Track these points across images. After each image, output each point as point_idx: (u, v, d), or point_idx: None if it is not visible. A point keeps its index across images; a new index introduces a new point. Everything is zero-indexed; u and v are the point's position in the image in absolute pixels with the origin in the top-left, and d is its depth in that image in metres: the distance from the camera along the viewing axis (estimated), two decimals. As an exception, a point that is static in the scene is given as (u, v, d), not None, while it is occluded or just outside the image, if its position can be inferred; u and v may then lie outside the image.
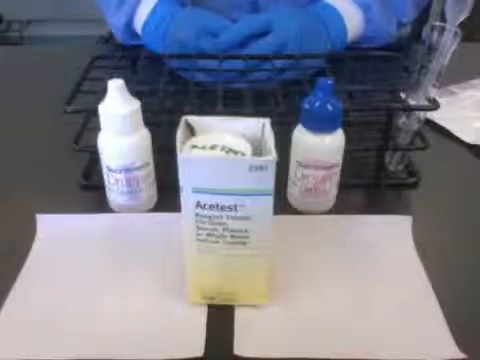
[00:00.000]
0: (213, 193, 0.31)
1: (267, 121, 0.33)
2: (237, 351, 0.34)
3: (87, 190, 0.49)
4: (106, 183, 0.45)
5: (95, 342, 0.35)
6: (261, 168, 0.30)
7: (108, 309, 0.37)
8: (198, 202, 0.32)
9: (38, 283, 0.39)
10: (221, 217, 0.32)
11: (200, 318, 0.36)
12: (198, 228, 0.33)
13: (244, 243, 0.33)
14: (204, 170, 0.30)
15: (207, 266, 0.35)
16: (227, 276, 0.35)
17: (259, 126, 0.33)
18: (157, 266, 0.40)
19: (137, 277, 0.40)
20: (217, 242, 0.33)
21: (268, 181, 0.31)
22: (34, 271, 0.40)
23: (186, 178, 0.31)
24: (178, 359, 0.33)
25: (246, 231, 0.33)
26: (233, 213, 0.32)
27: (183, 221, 0.33)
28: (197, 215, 0.32)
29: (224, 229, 0.33)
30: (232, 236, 0.33)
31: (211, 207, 0.32)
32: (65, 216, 0.44)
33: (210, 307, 0.37)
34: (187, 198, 0.32)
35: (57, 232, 0.43)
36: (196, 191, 0.31)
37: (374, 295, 0.38)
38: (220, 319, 0.36)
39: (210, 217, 0.32)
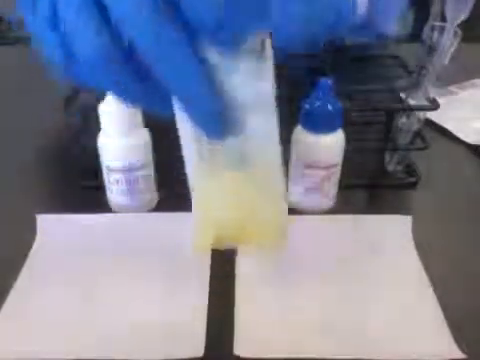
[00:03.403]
0: None
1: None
2: (237, 351, 0.33)
3: (87, 190, 0.49)
4: (106, 183, 0.45)
5: (95, 342, 0.35)
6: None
7: (108, 309, 0.37)
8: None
9: (38, 283, 0.39)
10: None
11: (200, 318, 0.36)
12: (199, 150, 0.30)
13: (250, 165, 0.31)
14: None
15: (213, 195, 0.32)
16: (236, 206, 0.33)
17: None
18: (157, 266, 0.40)
19: (137, 277, 0.40)
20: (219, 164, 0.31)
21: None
22: (34, 271, 0.40)
23: None
24: (178, 359, 0.33)
25: (250, 152, 0.30)
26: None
27: (185, 150, 0.31)
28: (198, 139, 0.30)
29: (227, 149, 0.30)
30: (237, 157, 0.30)
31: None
32: (65, 216, 0.44)
33: (210, 307, 0.37)
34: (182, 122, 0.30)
35: (57, 232, 0.43)
36: None
37: (374, 295, 0.38)
38: (220, 319, 0.36)
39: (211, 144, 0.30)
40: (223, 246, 0.34)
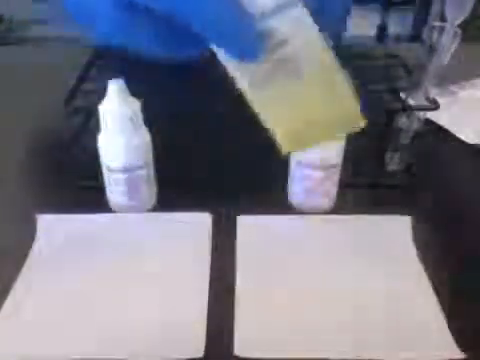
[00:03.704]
0: None
1: None
2: (237, 351, 0.33)
3: (87, 190, 0.49)
4: (106, 183, 0.45)
5: (95, 342, 0.35)
6: None
7: (108, 309, 0.37)
8: None
9: (38, 283, 0.39)
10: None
11: (200, 318, 0.36)
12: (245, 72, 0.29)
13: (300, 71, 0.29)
14: None
15: (280, 99, 0.31)
16: (308, 103, 0.31)
17: None
18: (157, 266, 0.40)
19: (137, 277, 0.40)
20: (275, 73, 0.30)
21: None
22: (34, 271, 0.40)
23: None
24: (178, 359, 0.33)
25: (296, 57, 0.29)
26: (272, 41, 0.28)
27: (237, 75, 0.30)
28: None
29: (275, 64, 0.29)
30: (286, 67, 0.29)
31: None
32: (65, 216, 0.44)
33: (210, 307, 0.37)
34: None
35: (57, 232, 0.43)
36: None
37: (374, 295, 0.38)
38: (220, 319, 0.36)
39: None
40: (308, 145, 0.33)
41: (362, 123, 0.32)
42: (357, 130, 0.32)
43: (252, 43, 0.27)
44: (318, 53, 0.29)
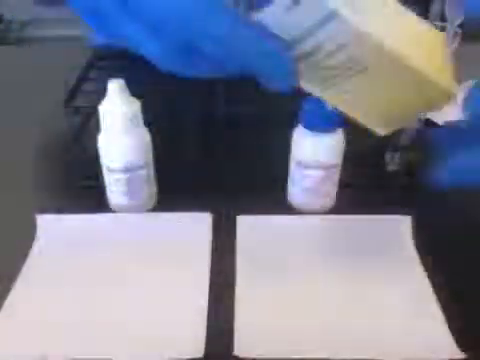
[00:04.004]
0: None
1: None
2: (237, 351, 0.33)
3: (87, 190, 0.49)
4: (106, 183, 0.45)
5: (94, 342, 0.35)
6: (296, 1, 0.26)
7: (108, 309, 0.37)
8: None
9: (38, 283, 0.39)
10: (318, 62, 0.29)
11: (200, 318, 0.36)
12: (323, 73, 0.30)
13: (364, 68, 0.29)
14: None
15: (357, 93, 0.31)
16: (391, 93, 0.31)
17: None
18: (157, 266, 0.40)
19: (137, 277, 0.40)
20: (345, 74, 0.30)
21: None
22: (34, 271, 0.40)
23: None
24: (178, 359, 0.33)
25: (348, 60, 0.29)
26: (321, 53, 0.28)
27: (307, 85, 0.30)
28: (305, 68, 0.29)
29: (331, 68, 0.29)
30: (344, 69, 0.29)
31: (302, 57, 0.29)
32: (65, 216, 0.44)
33: (210, 307, 0.37)
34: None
35: (57, 232, 0.43)
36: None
37: (374, 295, 0.38)
38: (220, 319, 0.36)
39: (312, 64, 0.29)
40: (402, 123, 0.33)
41: (453, 91, 0.30)
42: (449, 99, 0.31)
43: (286, 75, 0.28)
44: (377, 48, 0.28)
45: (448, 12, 0.42)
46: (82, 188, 0.49)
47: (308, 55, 0.28)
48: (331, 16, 0.26)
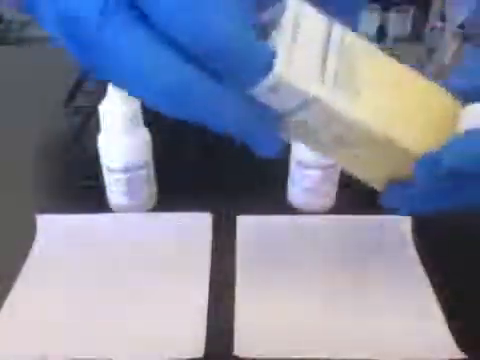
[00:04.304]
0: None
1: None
2: (237, 352, 0.33)
3: (87, 190, 0.49)
4: (106, 183, 0.45)
5: (94, 342, 0.35)
6: (274, 89, 0.26)
7: (108, 310, 0.37)
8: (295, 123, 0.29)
9: (38, 283, 0.39)
10: (307, 134, 0.29)
11: (200, 318, 0.36)
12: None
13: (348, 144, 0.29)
14: None
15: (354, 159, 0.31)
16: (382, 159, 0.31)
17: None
18: (157, 266, 0.40)
19: (137, 277, 0.40)
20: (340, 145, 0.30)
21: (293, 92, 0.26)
22: (34, 271, 0.40)
23: None
24: (178, 359, 0.33)
25: (335, 136, 0.29)
26: (308, 128, 0.28)
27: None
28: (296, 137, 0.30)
29: (321, 141, 0.29)
30: (334, 142, 0.29)
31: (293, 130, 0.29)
32: (65, 216, 0.44)
33: (210, 307, 0.37)
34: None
35: (57, 232, 0.43)
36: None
37: (374, 295, 0.38)
38: (220, 319, 0.36)
39: (302, 136, 0.29)
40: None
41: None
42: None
43: (271, 141, 0.28)
44: (358, 129, 0.28)
45: (448, 12, 0.42)
46: (82, 188, 0.49)
47: (297, 128, 0.29)
48: (312, 101, 0.26)
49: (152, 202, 0.47)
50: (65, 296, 0.38)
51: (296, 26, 0.26)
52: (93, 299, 0.38)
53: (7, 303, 0.37)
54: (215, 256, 0.41)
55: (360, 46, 0.28)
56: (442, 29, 0.43)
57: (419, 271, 0.40)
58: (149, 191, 0.46)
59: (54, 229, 0.43)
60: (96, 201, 0.47)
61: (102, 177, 0.45)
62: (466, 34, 0.43)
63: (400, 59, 0.57)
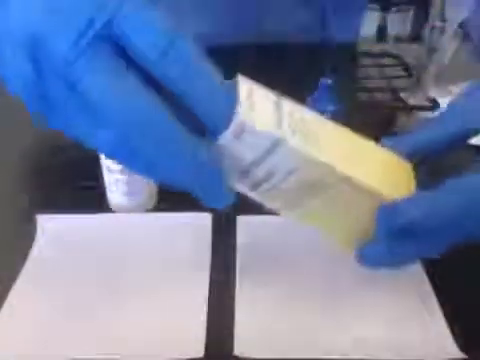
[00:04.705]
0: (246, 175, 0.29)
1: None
2: (237, 352, 0.33)
3: (87, 190, 0.49)
4: (106, 183, 0.45)
5: (94, 343, 0.35)
6: (238, 135, 0.27)
7: (108, 310, 0.37)
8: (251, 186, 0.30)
9: (38, 283, 0.39)
10: (275, 186, 0.30)
11: (200, 318, 0.36)
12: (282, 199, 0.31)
13: (322, 186, 0.30)
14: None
15: (320, 217, 0.32)
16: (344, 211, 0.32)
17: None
18: (157, 266, 0.40)
19: (137, 277, 0.40)
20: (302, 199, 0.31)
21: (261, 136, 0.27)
22: (34, 271, 0.40)
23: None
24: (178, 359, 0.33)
25: (303, 181, 0.29)
26: (275, 178, 0.29)
27: (267, 205, 0.32)
28: (262, 195, 0.31)
29: (289, 190, 0.30)
30: (302, 189, 0.30)
31: (257, 185, 0.30)
32: (65, 216, 0.44)
33: (210, 307, 0.37)
34: (240, 189, 0.30)
35: (57, 232, 0.43)
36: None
37: (374, 295, 0.38)
38: (220, 319, 0.36)
39: (268, 191, 0.30)
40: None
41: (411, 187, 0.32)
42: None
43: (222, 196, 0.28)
44: (323, 171, 0.29)
45: (448, 12, 0.42)
46: (82, 188, 0.49)
47: (263, 181, 0.29)
48: (277, 143, 0.27)
49: (152, 202, 0.47)
50: (65, 296, 0.38)
51: (250, 90, 0.28)
52: (93, 299, 0.38)
53: (7, 303, 0.37)
54: (215, 256, 0.41)
55: (311, 115, 0.30)
56: (442, 29, 0.43)
57: (419, 271, 0.40)
58: (149, 191, 0.46)
59: (54, 229, 0.43)
60: (96, 201, 0.47)
61: (102, 177, 0.45)
62: (466, 34, 0.43)
63: (400, 59, 0.57)
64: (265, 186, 0.30)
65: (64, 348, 0.34)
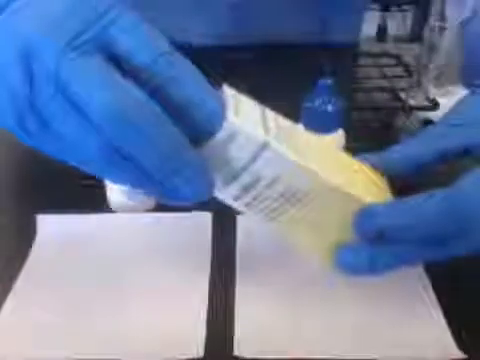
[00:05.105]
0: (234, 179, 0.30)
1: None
2: (237, 352, 0.33)
3: (87, 190, 0.49)
4: (106, 183, 0.45)
5: (94, 343, 0.35)
6: (228, 138, 0.28)
7: (108, 310, 0.37)
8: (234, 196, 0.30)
9: (38, 283, 0.39)
10: (259, 194, 0.30)
11: (200, 318, 0.36)
12: (264, 212, 0.31)
13: (305, 195, 0.30)
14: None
15: (305, 232, 0.33)
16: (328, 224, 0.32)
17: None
18: (157, 266, 0.40)
19: (137, 277, 0.40)
20: (286, 210, 0.31)
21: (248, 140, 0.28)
22: (34, 271, 0.40)
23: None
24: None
25: (287, 188, 0.30)
26: (260, 185, 0.30)
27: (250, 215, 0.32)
28: (245, 205, 0.31)
29: (272, 199, 0.31)
30: (285, 198, 0.31)
31: (241, 194, 0.30)
32: (65, 216, 0.44)
33: (210, 307, 0.37)
34: (223, 199, 0.31)
35: (57, 233, 0.43)
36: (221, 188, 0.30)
37: (374, 295, 0.38)
38: (220, 319, 0.36)
39: (252, 199, 0.31)
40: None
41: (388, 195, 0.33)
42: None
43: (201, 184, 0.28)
44: (308, 177, 0.30)
45: (448, 12, 0.42)
46: (82, 188, 0.49)
47: (248, 189, 0.30)
48: (263, 147, 0.28)
49: (152, 202, 0.47)
50: (65, 296, 0.38)
51: (236, 98, 0.29)
52: (93, 299, 0.38)
53: (7, 303, 0.37)
54: (215, 256, 0.41)
55: (292, 125, 0.32)
56: (442, 29, 0.43)
57: (419, 271, 0.40)
58: (149, 191, 0.46)
59: (54, 229, 0.43)
60: (96, 201, 0.47)
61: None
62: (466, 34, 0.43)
63: (400, 59, 0.57)
64: (251, 194, 0.30)
65: (64, 348, 0.34)
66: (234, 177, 0.29)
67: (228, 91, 0.29)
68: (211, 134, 0.27)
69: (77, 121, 0.25)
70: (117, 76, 0.25)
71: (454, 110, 0.37)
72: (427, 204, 0.30)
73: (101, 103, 0.24)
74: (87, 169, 0.28)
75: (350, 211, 0.31)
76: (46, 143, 0.28)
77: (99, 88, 0.24)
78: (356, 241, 0.32)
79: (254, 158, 0.28)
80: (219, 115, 0.27)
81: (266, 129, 0.29)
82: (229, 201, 0.31)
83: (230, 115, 0.27)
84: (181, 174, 0.26)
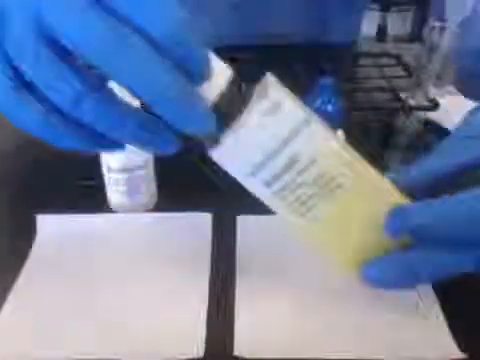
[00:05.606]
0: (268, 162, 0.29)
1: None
2: (237, 352, 0.33)
3: (87, 190, 0.49)
4: (106, 183, 0.45)
5: (95, 343, 0.35)
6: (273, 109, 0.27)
7: (108, 310, 0.37)
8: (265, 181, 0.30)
9: (38, 283, 0.39)
10: (293, 180, 0.30)
11: (200, 318, 0.36)
12: (289, 204, 0.31)
13: (338, 186, 0.30)
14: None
15: (324, 229, 0.32)
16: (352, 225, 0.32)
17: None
18: (157, 266, 0.40)
19: (137, 277, 0.40)
20: (315, 203, 0.31)
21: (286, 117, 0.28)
22: (34, 271, 0.40)
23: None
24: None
25: (323, 174, 0.30)
26: (296, 167, 0.29)
27: (276, 209, 0.32)
28: (275, 193, 0.30)
29: (306, 186, 0.30)
30: (319, 186, 0.30)
31: (275, 177, 0.30)
32: (65, 216, 0.44)
33: (210, 307, 0.37)
34: (252, 186, 0.30)
35: (57, 233, 0.43)
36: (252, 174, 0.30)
37: (374, 295, 0.38)
38: (220, 319, 0.36)
39: (285, 185, 0.30)
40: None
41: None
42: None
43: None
44: (345, 163, 0.29)
45: (448, 12, 0.42)
46: (82, 188, 0.49)
47: (283, 172, 0.29)
48: (305, 123, 0.28)
49: (152, 202, 0.47)
50: (65, 296, 0.38)
51: (280, 85, 0.28)
52: (93, 299, 0.38)
53: (7, 303, 0.37)
54: (215, 256, 0.41)
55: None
56: (442, 29, 0.43)
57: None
58: (149, 191, 0.46)
59: (54, 229, 0.43)
60: (96, 201, 0.47)
61: (102, 176, 0.45)
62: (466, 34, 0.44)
63: (400, 59, 0.57)
64: (285, 178, 0.29)
65: (64, 348, 0.34)
66: (269, 157, 0.29)
67: (272, 77, 0.28)
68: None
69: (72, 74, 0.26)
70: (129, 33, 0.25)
71: (466, 122, 0.36)
72: (461, 205, 0.29)
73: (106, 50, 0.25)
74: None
75: (383, 209, 0.30)
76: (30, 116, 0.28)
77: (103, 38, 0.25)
78: (381, 245, 0.31)
79: (296, 132, 0.28)
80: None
81: (305, 110, 0.28)
82: (259, 188, 0.30)
83: (271, 91, 0.27)
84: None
